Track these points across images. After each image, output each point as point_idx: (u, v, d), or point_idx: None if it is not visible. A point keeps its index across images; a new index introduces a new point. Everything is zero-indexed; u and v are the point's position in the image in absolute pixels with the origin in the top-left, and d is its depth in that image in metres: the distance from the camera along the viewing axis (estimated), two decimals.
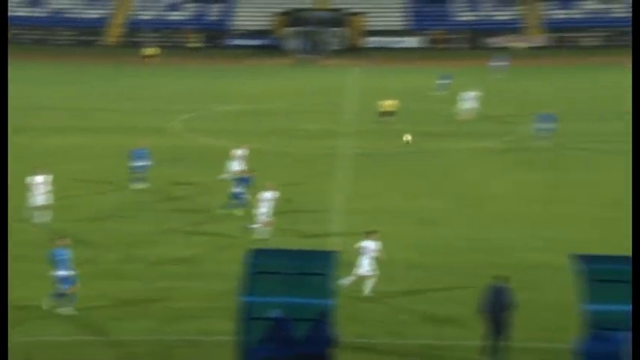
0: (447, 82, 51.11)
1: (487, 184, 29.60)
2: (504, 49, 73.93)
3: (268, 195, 23.31)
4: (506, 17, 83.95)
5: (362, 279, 19.02)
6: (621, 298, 13.36)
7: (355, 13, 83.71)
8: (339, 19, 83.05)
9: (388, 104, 40.00)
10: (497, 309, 15.76)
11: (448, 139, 37.57)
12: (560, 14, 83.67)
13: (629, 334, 12.96)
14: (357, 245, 19.24)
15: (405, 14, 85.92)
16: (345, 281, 18.76)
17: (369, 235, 19.34)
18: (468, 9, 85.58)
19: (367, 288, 18.99)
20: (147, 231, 24.09)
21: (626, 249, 19.89)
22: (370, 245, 19.07)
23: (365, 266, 18.94)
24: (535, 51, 76.29)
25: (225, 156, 29.38)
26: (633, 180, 18.35)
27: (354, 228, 24.15)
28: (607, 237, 23.10)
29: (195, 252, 22.30)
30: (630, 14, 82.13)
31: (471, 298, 17.91)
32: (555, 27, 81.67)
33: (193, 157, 33.97)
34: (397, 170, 31.87)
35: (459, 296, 18.50)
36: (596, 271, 13.63)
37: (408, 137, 33.56)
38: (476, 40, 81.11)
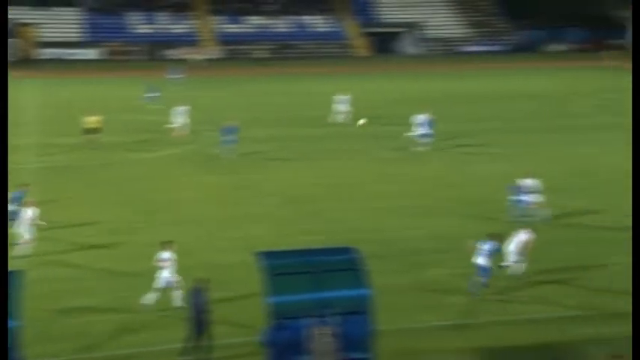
0: (155, 95, 51.00)
1: (176, 190, 30.36)
2: (182, 60, 75.40)
3: (30, 212, 22.46)
4: (182, 30, 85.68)
5: (166, 292, 18.63)
6: (299, 289, 14.54)
7: (26, 24, 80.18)
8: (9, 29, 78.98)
9: (92, 120, 38.83)
10: (197, 310, 16.35)
11: (146, 149, 37.81)
12: (232, 28, 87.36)
13: (309, 320, 14.32)
14: (156, 258, 18.90)
15: (80, 26, 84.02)
16: (151, 298, 18.51)
17: (165, 245, 19.00)
18: (144, 22, 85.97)
19: (177, 299, 18.68)
20: None
21: (299, 243, 21.75)
22: (167, 256, 18.80)
23: (165, 279, 18.67)
24: (210, 63, 78.73)
25: None
26: (633, 179, 19.12)
27: (43, 243, 23.58)
28: (285, 233, 24.75)
29: None
30: (292, 30, 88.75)
31: (167, 302, 18.47)
32: (228, 40, 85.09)
33: None
34: (89, 182, 31.53)
35: (158, 302, 18.70)
36: (276, 266, 14.59)
37: (362, 121, 33.28)
38: (154, 52, 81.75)
